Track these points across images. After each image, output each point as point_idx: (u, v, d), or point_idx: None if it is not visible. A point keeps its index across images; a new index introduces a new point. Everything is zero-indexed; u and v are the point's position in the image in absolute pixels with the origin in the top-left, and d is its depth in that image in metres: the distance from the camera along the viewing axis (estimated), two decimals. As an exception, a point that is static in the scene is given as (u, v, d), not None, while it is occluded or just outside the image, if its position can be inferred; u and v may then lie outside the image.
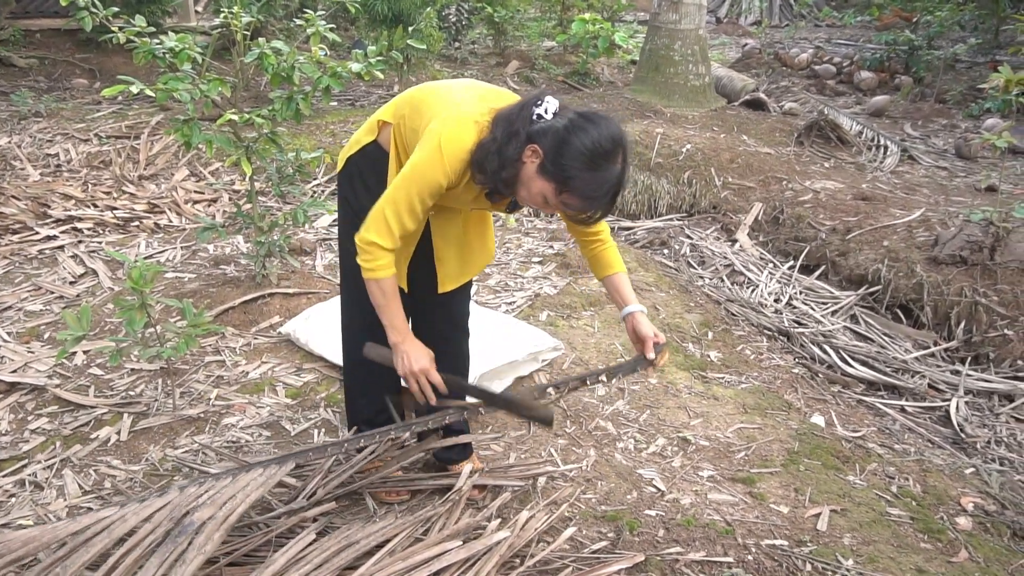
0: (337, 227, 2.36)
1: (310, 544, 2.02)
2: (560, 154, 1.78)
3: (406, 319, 2.06)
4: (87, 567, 1.77)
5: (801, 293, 4.47)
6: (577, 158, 1.77)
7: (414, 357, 2.01)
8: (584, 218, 1.90)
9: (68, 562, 1.75)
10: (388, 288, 1.96)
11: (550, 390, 2.21)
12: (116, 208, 4.89)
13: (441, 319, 2.36)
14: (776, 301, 4.35)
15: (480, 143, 1.86)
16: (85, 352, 3.31)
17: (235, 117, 3.20)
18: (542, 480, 2.55)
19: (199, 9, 8.94)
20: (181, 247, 4.41)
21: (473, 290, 3.99)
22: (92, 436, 2.79)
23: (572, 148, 1.78)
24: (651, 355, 2.12)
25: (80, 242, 4.46)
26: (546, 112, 1.86)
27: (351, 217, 2.18)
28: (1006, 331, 3.81)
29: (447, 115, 1.91)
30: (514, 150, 1.83)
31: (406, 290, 2.21)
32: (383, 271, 1.94)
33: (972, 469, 2.92)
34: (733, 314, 4.06)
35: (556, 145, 1.79)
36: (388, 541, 2.08)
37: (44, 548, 1.81)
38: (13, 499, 2.48)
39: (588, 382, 2.27)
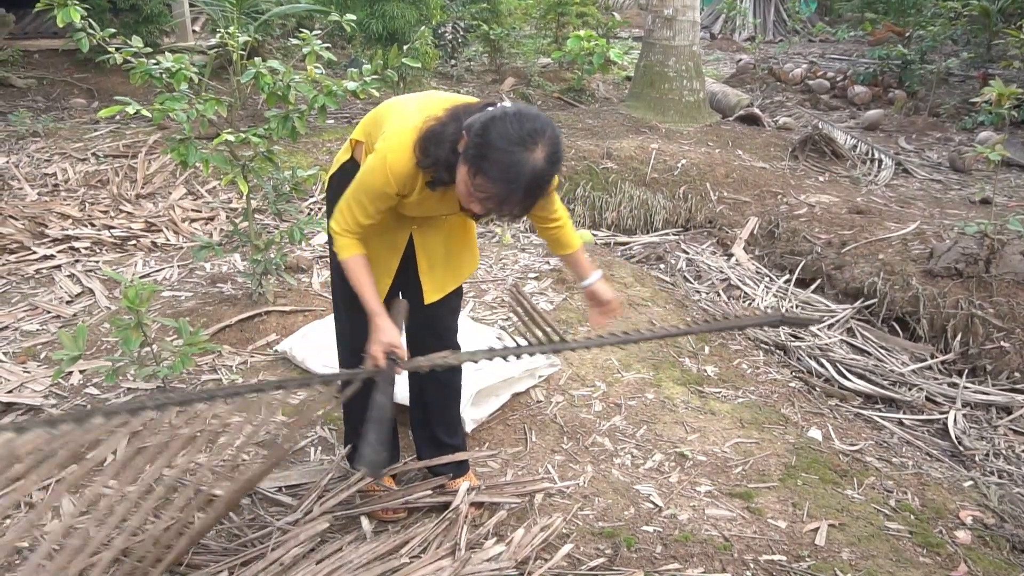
0: (328, 244, 2.41)
1: (303, 559, 2.01)
2: (478, 136, 1.76)
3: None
4: None
5: (797, 307, 4.47)
6: (491, 139, 1.73)
7: (374, 338, 2.04)
8: (493, 207, 1.83)
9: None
10: (354, 266, 2.06)
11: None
12: (113, 227, 4.89)
13: (429, 335, 2.37)
14: (773, 315, 4.36)
15: (426, 128, 1.90)
16: (81, 372, 3.30)
17: (231, 136, 3.21)
18: (539, 497, 2.55)
19: (196, 29, 9.00)
20: (178, 266, 4.41)
21: (469, 306, 3.99)
22: (87, 456, 2.77)
23: (488, 131, 1.75)
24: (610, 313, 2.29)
25: (77, 261, 4.46)
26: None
27: None
28: (1003, 343, 3.81)
29: (392, 126, 1.97)
30: (452, 134, 1.85)
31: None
32: (348, 251, 2.06)
33: (971, 482, 2.91)
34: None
35: (476, 128, 1.77)
36: (383, 560, 2.07)
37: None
38: (8, 520, 2.47)
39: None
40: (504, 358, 2.15)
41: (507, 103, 1.89)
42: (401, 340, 2.08)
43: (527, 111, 1.79)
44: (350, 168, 2.18)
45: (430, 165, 1.89)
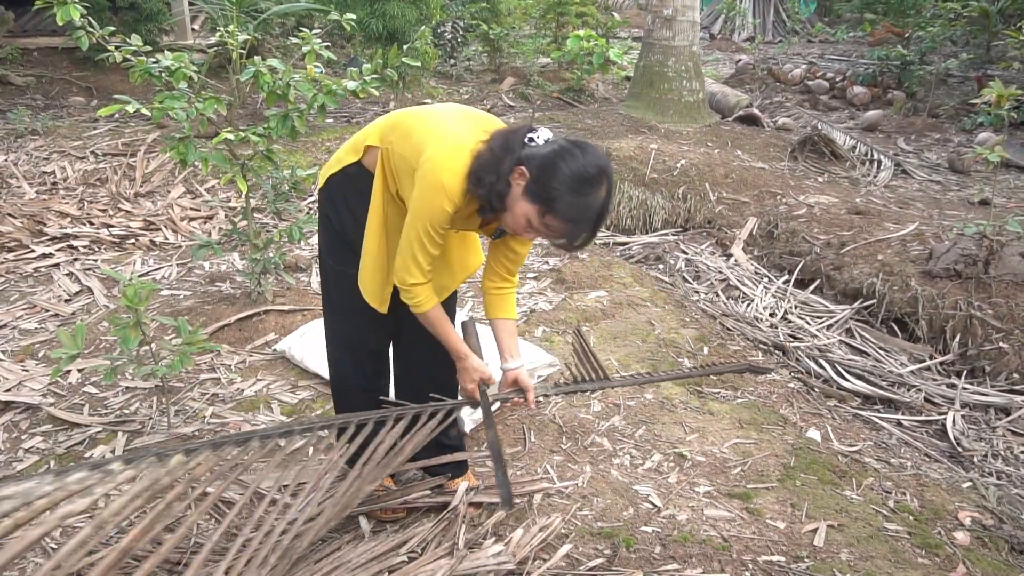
0: (318, 244, 2.36)
1: (302, 559, 2.01)
2: (546, 176, 1.81)
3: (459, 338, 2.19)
4: None
5: (796, 307, 4.47)
6: (563, 181, 1.79)
7: (466, 378, 2.17)
8: (564, 243, 1.91)
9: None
10: (435, 317, 2.10)
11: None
12: (112, 226, 4.89)
13: (428, 335, 2.36)
14: (771, 315, 4.36)
15: (478, 155, 1.89)
16: (80, 370, 3.30)
17: (230, 135, 3.21)
18: (538, 497, 2.55)
19: (196, 27, 9.00)
20: (177, 264, 4.41)
21: (468, 306, 3.99)
22: (86, 455, 2.78)
23: (558, 171, 1.80)
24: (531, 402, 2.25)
25: (76, 260, 4.46)
26: (538, 138, 1.89)
27: (332, 236, 2.23)
28: (1001, 344, 3.81)
29: (441, 145, 1.92)
30: (507, 167, 1.85)
31: (384, 311, 2.23)
32: (426, 304, 2.07)
33: (969, 483, 2.91)
34: (728, 329, 4.07)
35: (542, 167, 1.82)
36: (381, 560, 2.07)
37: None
38: (7, 519, 2.46)
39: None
40: (568, 394, 2.43)
41: (547, 132, 1.92)
42: (489, 370, 2.18)
43: (586, 145, 1.86)
44: (353, 172, 2.12)
45: (483, 195, 1.89)
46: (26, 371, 3.29)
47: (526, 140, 1.88)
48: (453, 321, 2.46)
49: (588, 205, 1.82)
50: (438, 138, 1.93)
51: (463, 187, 1.90)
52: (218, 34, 3.56)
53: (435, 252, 2.01)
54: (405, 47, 3.76)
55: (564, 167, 1.80)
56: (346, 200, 2.16)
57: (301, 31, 3.37)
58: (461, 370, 2.17)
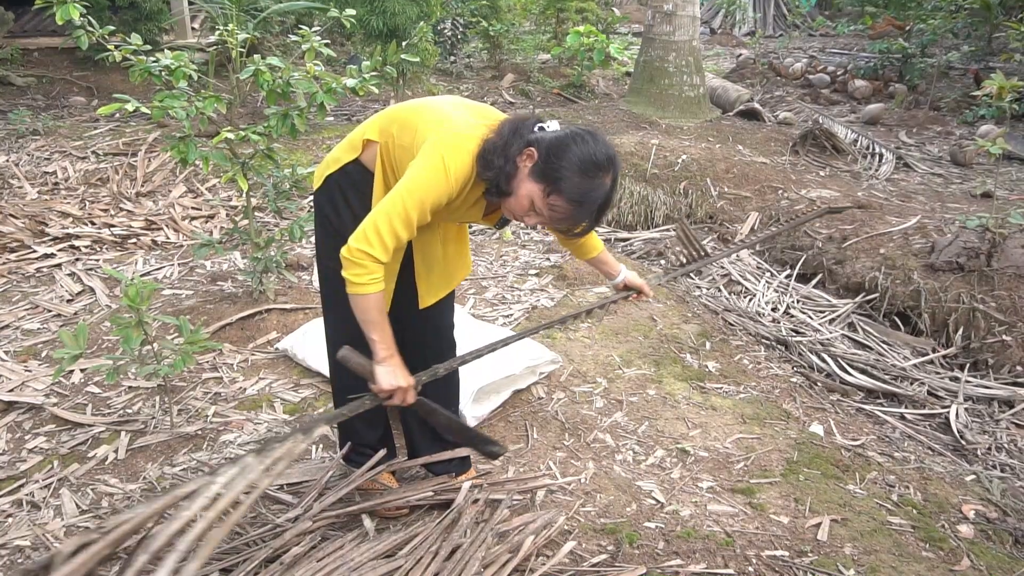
0: (315, 246, 2.33)
1: (304, 557, 2.01)
2: (554, 155, 1.84)
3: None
4: None
5: (798, 302, 4.47)
6: (571, 161, 1.83)
7: (401, 375, 1.95)
8: (567, 227, 1.94)
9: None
10: (377, 303, 1.91)
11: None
12: (113, 225, 4.89)
13: (427, 333, 2.36)
14: (774, 310, 4.35)
15: (486, 141, 1.91)
16: (82, 370, 3.30)
17: (231, 134, 3.21)
18: (541, 493, 2.55)
19: (196, 26, 8.99)
20: (178, 264, 4.41)
21: (470, 303, 3.99)
22: (90, 455, 2.78)
23: (568, 152, 1.84)
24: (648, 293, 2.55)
25: (77, 260, 4.46)
26: (548, 127, 1.93)
27: (333, 236, 2.16)
28: (1004, 337, 3.81)
29: (446, 130, 1.92)
30: (515, 150, 1.88)
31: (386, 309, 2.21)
32: (374, 285, 1.88)
33: (973, 476, 2.91)
34: (731, 324, 4.06)
35: (552, 148, 1.85)
36: (385, 558, 2.07)
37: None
38: (10, 519, 2.47)
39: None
40: (680, 276, 2.91)
41: (557, 123, 1.95)
42: (413, 380, 2.01)
43: (598, 133, 1.90)
44: (353, 171, 2.09)
45: (491, 177, 1.90)
46: (29, 371, 3.30)
47: (535, 128, 1.92)
48: (453, 312, 2.46)
49: (593, 188, 1.85)
50: (441, 124, 1.94)
51: (466, 172, 1.90)
52: (218, 33, 3.56)
53: (406, 237, 1.88)
54: (404, 43, 3.75)
55: (575, 148, 1.84)
56: (346, 199, 2.13)
57: (301, 29, 3.37)
58: (384, 370, 1.93)
